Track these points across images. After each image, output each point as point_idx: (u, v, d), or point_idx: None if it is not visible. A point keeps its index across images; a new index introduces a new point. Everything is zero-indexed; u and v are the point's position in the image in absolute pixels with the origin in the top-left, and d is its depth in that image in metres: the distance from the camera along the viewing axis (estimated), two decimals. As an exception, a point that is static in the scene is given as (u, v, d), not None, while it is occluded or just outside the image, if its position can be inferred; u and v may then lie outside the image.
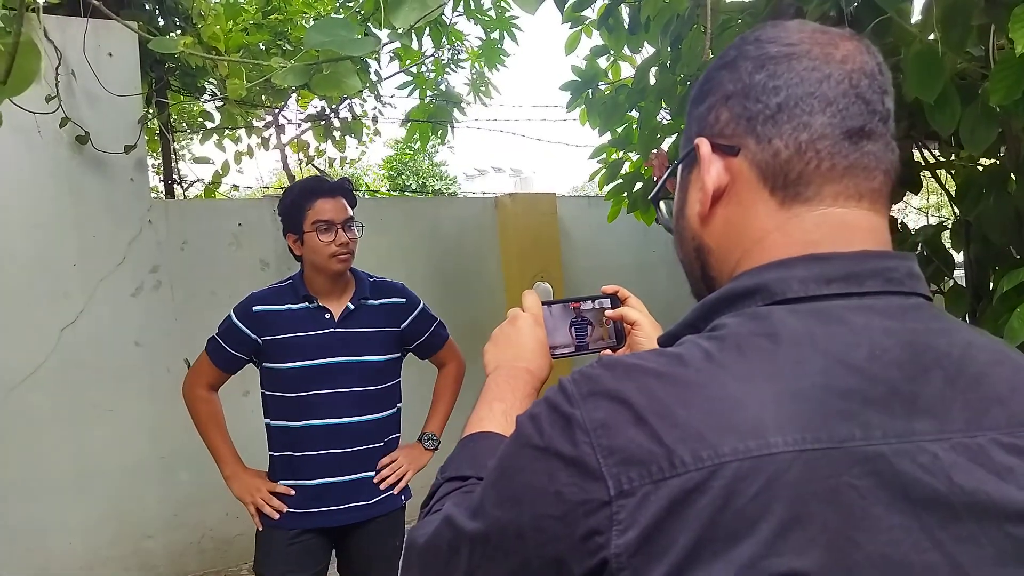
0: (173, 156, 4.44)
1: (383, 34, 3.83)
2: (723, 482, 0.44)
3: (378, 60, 4.54)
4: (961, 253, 2.14)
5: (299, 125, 4.77)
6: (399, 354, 2.05)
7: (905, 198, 2.41)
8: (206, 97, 4.51)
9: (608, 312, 0.97)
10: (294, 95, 4.57)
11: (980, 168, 2.04)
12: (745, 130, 0.57)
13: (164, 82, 4.07)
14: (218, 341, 1.95)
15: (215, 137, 4.50)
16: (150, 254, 3.33)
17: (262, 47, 4.13)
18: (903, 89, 1.55)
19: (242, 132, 4.60)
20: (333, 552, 2.03)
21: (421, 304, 2.09)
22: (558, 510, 0.48)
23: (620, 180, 3.26)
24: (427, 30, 4.11)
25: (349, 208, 1.96)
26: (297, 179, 4.94)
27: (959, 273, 2.17)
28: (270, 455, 1.96)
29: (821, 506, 0.44)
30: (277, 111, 4.66)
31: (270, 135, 4.70)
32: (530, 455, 0.51)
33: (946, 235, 2.15)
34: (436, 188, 12.47)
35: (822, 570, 0.43)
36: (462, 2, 3.84)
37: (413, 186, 12.40)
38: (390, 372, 2.01)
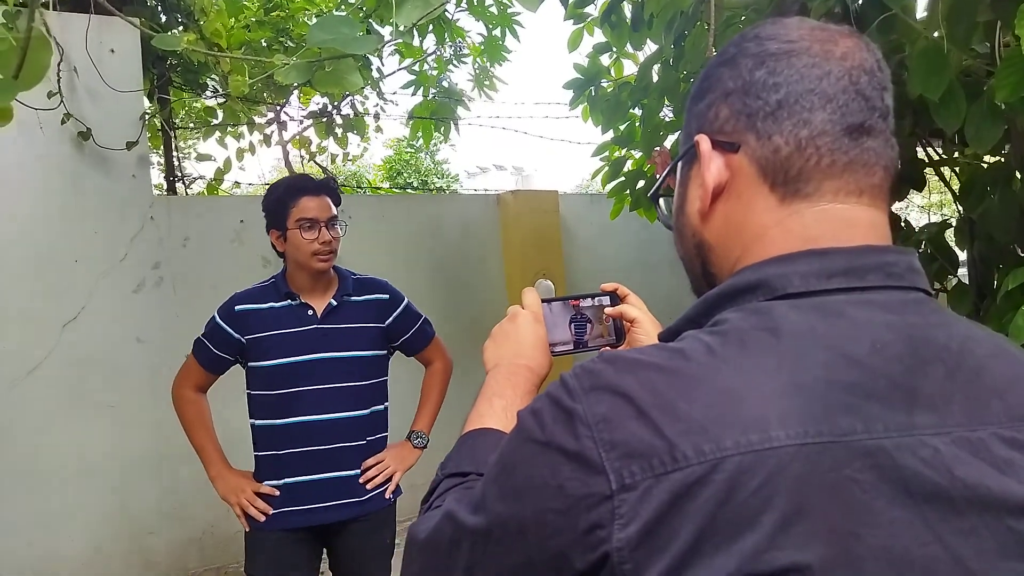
0: (175, 153, 4.44)
1: (385, 31, 3.83)
2: (725, 475, 0.44)
3: (380, 57, 4.53)
4: (965, 251, 2.14)
5: (301, 122, 4.78)
6: (384, 351, 2.05)
7: (908, 196, 2.41)
8: (208, 94, 4.51)
9: (608, 309, 0.97)
10: (296, 92, 4.57)
11: (984, 166, 2.03)
12: (745, 127, 0.58)
13: (166, 78, 4.08)
14: (204, 342, 1.96)
15: (217, 134, 4.50)
16: (152, 251, 3.34)
17: (264, 44, 4.13)
18: (908, 86, 1.54)
19: (244, 129, 4.61)
20: (325, 552, 2.03)
21: (405, 301, 2.09)
22: (560, 504, 0.48)
23: (623, 178, 3.25)
24: (430, 27, 4.11)
25: (333, 207, 1.96)
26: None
27: (963, 271, 2.17)
28: (255, 455, 1.96)
29: (823, 499, 0.44)
30: (279, 108, 4.66)
31: (272, 132, 4.71)
32: (532, 449, 0.51)
33: (950, 233, 2.14)
34: (438, 186, 12.47)
35: (824, 563, 0.43)
36: (465, -1, 3.84)
37: (415, 183, 12.40)
38: (375, 369, 2.00)
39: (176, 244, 3.41)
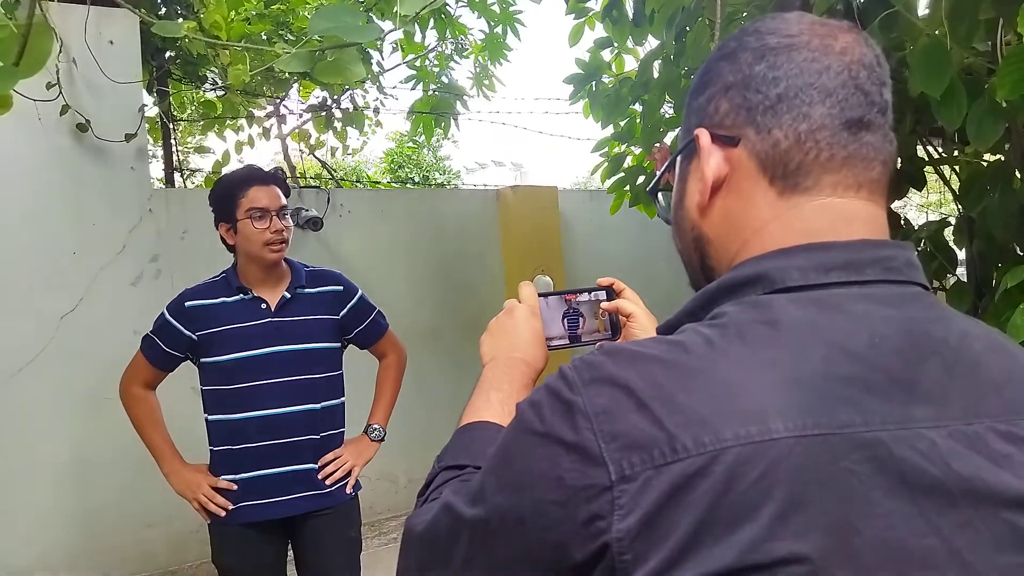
0: (174, 145, 4.43)
1: (386, 25, 3.82)
2: (724, 467, 0.44)
3: (380, 51, 4.52)
4: (964, 249, 2.14)
5: (300, 115, 4.77)
6: (339, 344, 2.04)
7: (907, 194, 2.41)
8: (207, 86, 4.50)
9: (604, 304, 0.97)
10: (296, 85, 4.56)
11: (985, 164, 2.03)
12: (745, 120, 0.58)
13: (165, 71, 4.06)
14: (153, 339, 1.94)
15: (216, 127, 4.49)
16: (150, 243, 3.33)
17: (264, 37, 4.12)
18: (909, 84, 1.54)
19: (243, 122, 4.60)
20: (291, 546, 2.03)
21: (359, 292, 2.08)
22: (559, 495, 0.48)
23: (622, 174, 3.25)
24: (431, 22, 4.10)
25: (283, 197, 1.95)
26: (298, 169, 4.94)
27: (961, 270, 2.17)
28: (210, 450, 1.96)
29: (821, 491, 0.44)
30: (279, 101, 4.65)
31: (271, 125, 4.69)
32: (531, 441, 0.51)
33: (949, 231, 2.15)
34: (439, 182, 12.44)
35: (822, 554, 0.43)
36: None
37: (416, 179, 12.37)
38: (330, 361, 2.00)
39: (175, 237, 3.40)
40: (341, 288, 2.04)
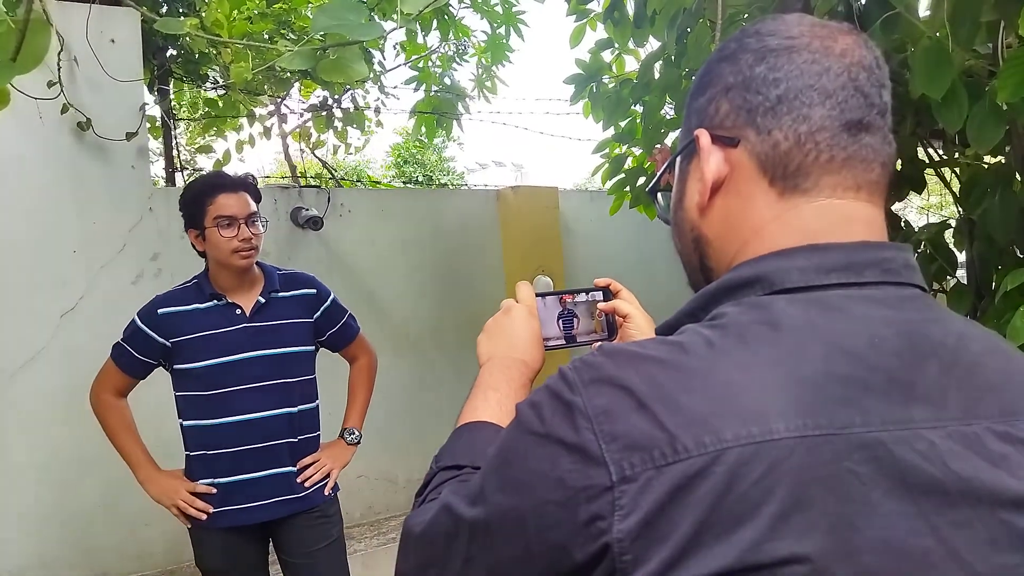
0: (175, 144, 4.43)
1: (388, 26, 3.82)
2: (725, 467, 0.44)
3: (382, 51, 4.52)
4: (964, 252, 2.14)
5: (301, 115, 4.77)
6: (313, 347, 2.05)
7: (908, 196, 2.41)
8: (208, 85, 4.50)
9: (600, 305, 0.97)
10: (297, 84, 4.56)
11: (985, 166, 2.03)
12: (745, 122, 0.58)
13: (166, 69, 4.06)
14: (124, 346, 1.93)
15: (217, 126, 4.49)
16: (151, 241, 3.33)
17: (266, 36, 4.12)
18: (910, 85, 1.54)
19: (244, 121, 4.60)
20: (273, 548, 2.04)
21: (332, 295, 2.09)
22: (560, 496, 0.48)
23: (623, 175, 3.25)
24: (434, 23, 4.10)
25: (253, 203, 1.94)
26: (298, 169, 4.94)
27: (961, 272, 2.17)
28: (186, 455, 1.96)
29: (822, 491, 0.44)
30: (280, 100, 4.65)
31: (272, 124, 4.69)
32: (531, 442, 0.51)
33: (949, 233, 2.15)
34: (442, 183, 12.43)
35: (822, 554, 0.43)
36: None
37: (419, 178, 12.35)
38: (305, 365, 2.01)
39: (175, 235, 3.39)
40: (314, 291, 2.04)
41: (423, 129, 4.46)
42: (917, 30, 1.57)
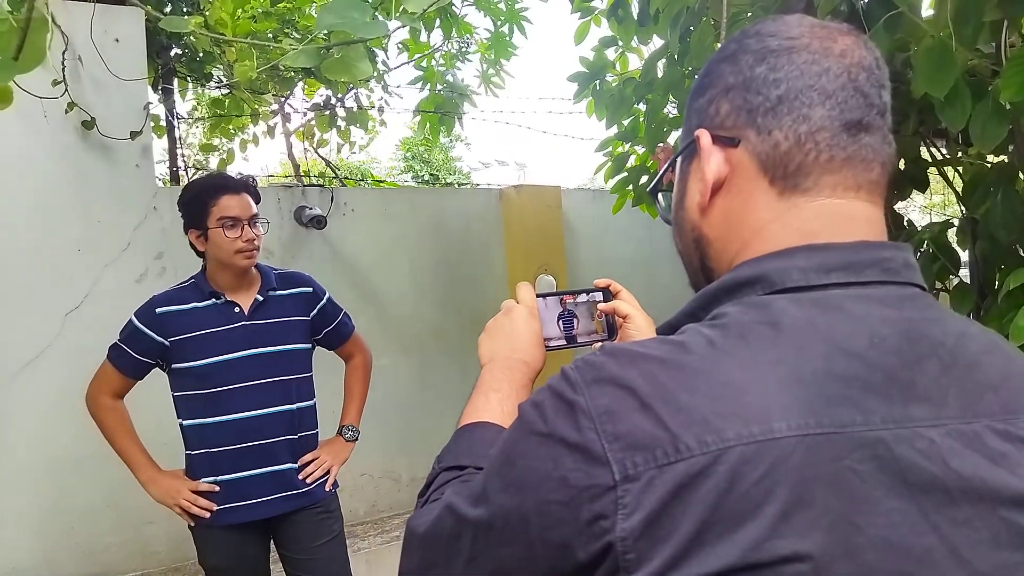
0: (179, 143, 4.43)
1: (392, 25, 3.82)
2: (727, 466, 0.44)
3: (386, 50, 4.52)
4: (967, 251, 2.13)
5: (305, 114, 4.77)
6: (310, 345, 2.07)
7: (910, 196, 2.40)
8: (212, 84, 4.51)
9: (600, 305, 0.97)
10: (300, 84, 4.56)
11: (988, 166, 2.03)
12: (746, 122, 0.58)
13: (170, 68, 4.07)
14: (122, 347, 1.94)
15: (222, 125, 4.50)
16: (155, 240, 3.34)
17: (270, 35, 4.13)
18: (913, 85, 1.54)
19: (247, 119, 4.60)
20: (274, 544, 2.06)
21: (327, 294, 2.12)
22: (563, 495, 0.48)
23: (625, 173, 3.25)
24: (437, 21, 4.09)
25: (254, 205, 1.97)
26: (302, 168, 4.95)
27: (964, 271, 2.17)
28: (187, 454, 1.97)
29: (823, 490, 0.44)
30: (283, 99, 4.65)
31: (276, 123, 4.70)
32: (534, 441, 0.51)
33: (952, 233, 2.14)
34: (448, 182, 12.43)
35: (824, 552, 0.43)
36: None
37: (426, 176, 12.35)
38: (303, 362, 2.03)
39: (179, 234, 3.37)
40: (310, 290, 2.07)
41: (427, 126, 4.46)
42: (920, 29, 1.57)
